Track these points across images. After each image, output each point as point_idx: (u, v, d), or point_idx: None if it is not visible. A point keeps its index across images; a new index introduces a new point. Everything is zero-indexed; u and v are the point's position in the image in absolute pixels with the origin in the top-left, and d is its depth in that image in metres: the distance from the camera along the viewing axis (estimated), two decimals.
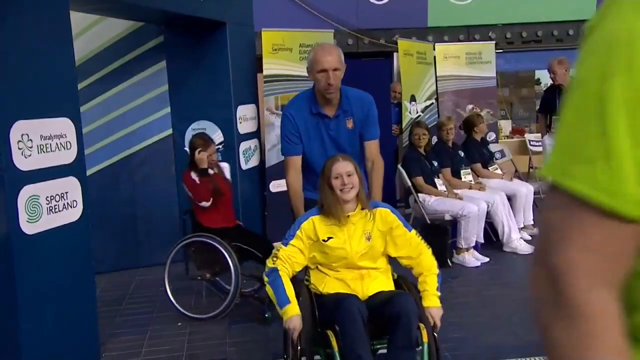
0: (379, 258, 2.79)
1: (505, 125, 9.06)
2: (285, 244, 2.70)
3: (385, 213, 2.79)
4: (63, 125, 3.32)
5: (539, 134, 8.74)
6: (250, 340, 3.83)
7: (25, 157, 3.05)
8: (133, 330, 4.07)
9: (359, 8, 8.02)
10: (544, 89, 7.09)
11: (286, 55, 5.79)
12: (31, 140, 3.10)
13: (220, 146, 5.50)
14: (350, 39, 8.02)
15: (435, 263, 2.75)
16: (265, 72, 5.69)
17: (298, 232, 2.69)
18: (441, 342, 2.73)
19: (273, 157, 5.97)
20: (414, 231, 2.79)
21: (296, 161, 3.29)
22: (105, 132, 5.55)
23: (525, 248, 5.52)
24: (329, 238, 2.70)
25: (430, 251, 2.78)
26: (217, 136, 5.54)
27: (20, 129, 3.03)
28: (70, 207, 3.36)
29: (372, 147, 3.35)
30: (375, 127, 3.37)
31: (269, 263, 2.70)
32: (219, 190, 4.15)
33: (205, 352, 3.67)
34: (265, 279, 2.68)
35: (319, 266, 2.80)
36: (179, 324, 4.15)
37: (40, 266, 3.17)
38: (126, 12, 4.83)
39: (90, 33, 5.53)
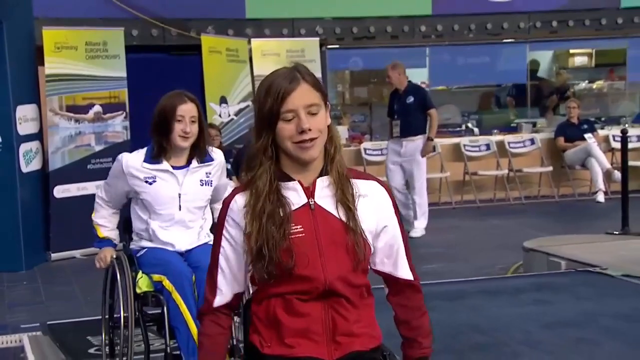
0: None
1: (341, 132, 12.20)
2: None
3: None
4: None
5: (380, 143, 12.09)
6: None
7: None
8: None
9: None
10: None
11: (71, 54, 8.66)
12: None
13: None
14: (155, 30, 10.94)
15: None
16: (47, 72, 8.50)
17: None
18: None
19: (57, 161, 8.75)
20: None
21: None
22: None
23: None
24: None
25: None
26: None
27: None
28: None
29: None
30: None
31: None
32: None
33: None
34: None
35: None
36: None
37: None
38: None
39: None
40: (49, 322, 6.19)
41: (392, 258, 2.65)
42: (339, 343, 2.52)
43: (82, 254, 8.59)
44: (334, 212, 2.55)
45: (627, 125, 12.67)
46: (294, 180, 2.56)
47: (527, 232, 8.77)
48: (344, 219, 2.54)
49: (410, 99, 9.42)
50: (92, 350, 5.48)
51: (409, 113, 9.46)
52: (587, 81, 14.45)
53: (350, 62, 12.82)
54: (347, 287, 2.53)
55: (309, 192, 2.56)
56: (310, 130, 2.49)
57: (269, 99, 2.50)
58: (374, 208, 2.60)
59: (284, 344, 2.51)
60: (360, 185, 2.60)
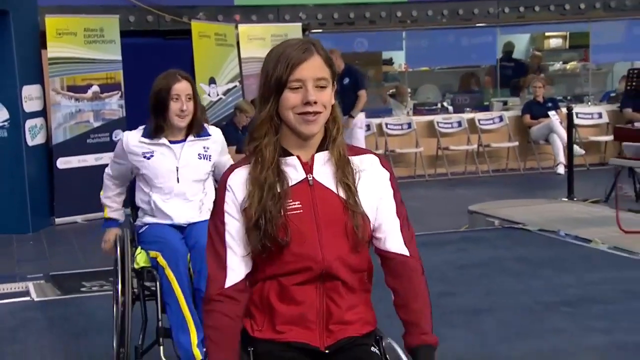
0: None
1: None
2: None
3: None
4: None
5: None
6: None
7: None
8: None
9: None
10: None
11: (71, 39, 9.70)
12: None
13: (6, 123, 9.29)
14: (151, 16, 11.96)
15: None
16: (50, 55, 9.55)
17: None
18: None
19: (60, 135, 9.82)
20: None
21: None
22: None
23: None
24: None
25: None
26: (2, 114, 9.30)
27: None
28: None
29: None
30: None
31: None
32: None
33: None
34: None
35: None
36: None
37: None
38: None
39: None
40: (51, 273, 7.22)
41: (384, 231, 2.55)
42: (332, 331, 2.47)
43: (83, 219, 9.64)
44: (334, 189, 2.48)
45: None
46: (293, 155, 2.50)
47: (487, 201, 9.48)
48: (343, 197, 2.47)
49: (346, 80, 10.38)
50: (84, 289, 6.58)
51: (344, 94, 10.24)
52: (561, 62, 15.34)
53: (332, 46, 13.78)
54: (347, 271, 2.46)
55: (308, 167, 2.50)
56: (315, 103, 2.43)
57: (279, 66, 2.42)
58: (371, 182, 2.53)
59: (276, 330, 2.47)
60: (358, 161, 2.54)
